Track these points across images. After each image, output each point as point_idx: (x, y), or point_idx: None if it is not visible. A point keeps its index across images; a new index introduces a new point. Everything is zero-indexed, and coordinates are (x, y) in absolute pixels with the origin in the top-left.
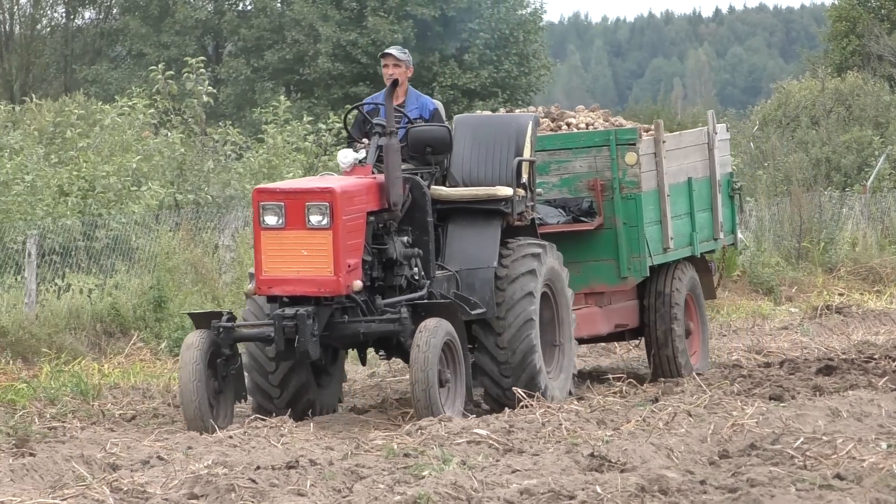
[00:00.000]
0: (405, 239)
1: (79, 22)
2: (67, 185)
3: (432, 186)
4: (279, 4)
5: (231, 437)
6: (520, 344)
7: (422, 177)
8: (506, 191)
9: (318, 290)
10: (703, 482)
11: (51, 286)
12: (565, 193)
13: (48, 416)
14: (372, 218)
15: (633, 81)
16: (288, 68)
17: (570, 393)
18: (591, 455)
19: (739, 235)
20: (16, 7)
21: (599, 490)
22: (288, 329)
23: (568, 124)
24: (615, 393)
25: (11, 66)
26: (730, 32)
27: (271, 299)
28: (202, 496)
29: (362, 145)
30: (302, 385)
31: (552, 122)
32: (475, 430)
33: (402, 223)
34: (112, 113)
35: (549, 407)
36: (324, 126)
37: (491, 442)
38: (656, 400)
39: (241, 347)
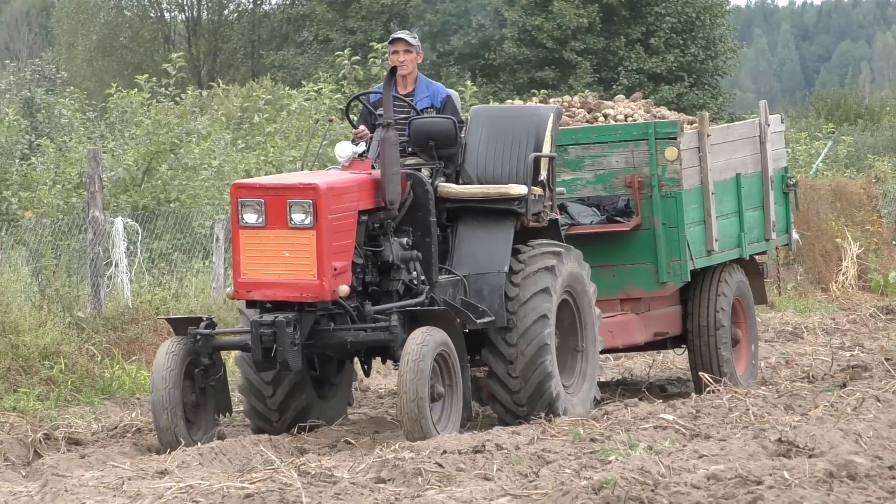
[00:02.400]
0: (404, 240)
1: (266, 7)
2: (255, 170)
3: (441, 184)
4: None
5: None
6: (534, 373)
7: (430, 173)
8: (520, 189)
9: (301, 296)
10: (891, 467)
11: None
12: (600, 191)
13: (235, 398)
14: (365, 217)
15: (821, 65)
16: (473, 53)
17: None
18: (779, 440)
19: (795, 235)
20: None
21: (787, 475)
22: (266, 337)
23: (605, 115)
24: (803, 378)
25: (199, 51)
26: None
27: (251, 304)
28: (389, 480)
29: (361, 138)
30: (303, 408)
31: (588, 112)
32: (662, 416)
33: (403, 223)
34: (299, 98)
35: (735, 392)
36: None
37: (678, 427)
38: (844, 385)
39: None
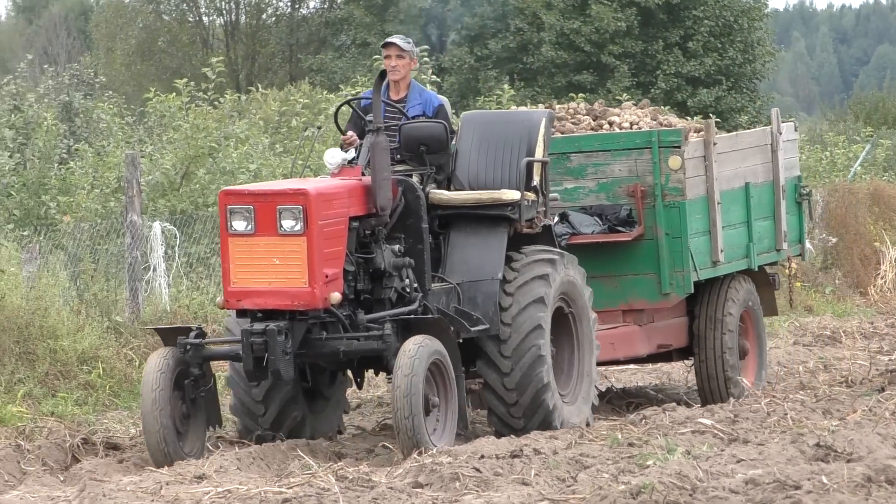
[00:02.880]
0: (396, 247)
1: (303, 11)
2: (292, 175)
3: (433, 190)
4: None
5: None
6: (529, 385)
7: (421, 179)
8: (512, 194)
9: (292, 304)
10: None
11: None
12: (602, 200)
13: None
14: (356, 224)
15: (859, 69)
16: (511, 57)
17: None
18: (817, 445)
19: (808, 245)
20: None
21: (825, 480)
22: (256, 346)
23: (610, 123)
24: (841, 382)
25: (237, 55)
26: None
27: (241, 313)
28: (427, 485)
29: (350, 144)
30: (288, 399)
31: (594, 119)
32: (699, 420)
33: (394, 230)
34: (337, 102)
35: (774, 396)
36: None
37: (715, 431)
38: (882, 389)
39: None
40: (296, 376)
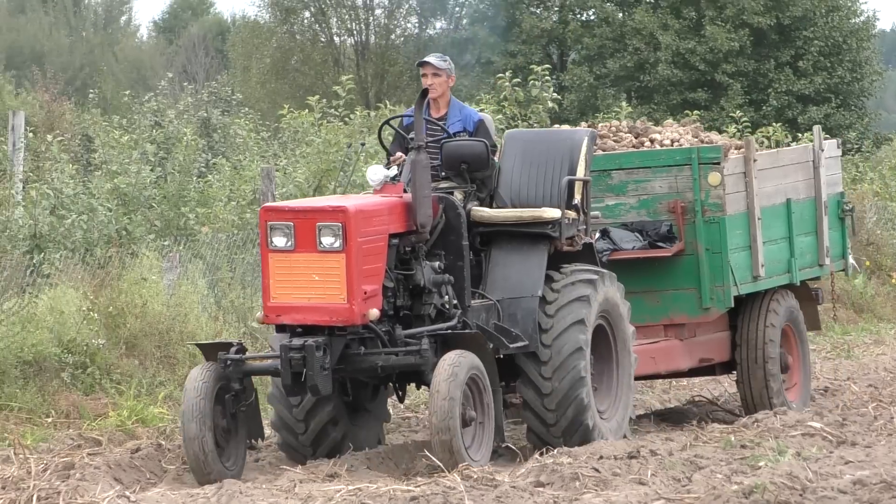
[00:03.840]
0: (437, 264)
1: (430, 32)
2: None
3: (475, 207)
4: (621, 14)
5: None
6: (570, 407)
7: (463, 196)
8: (553, 212)
9: (330, 319)
10: None
11: None
12: (643, 216)
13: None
14: (396, 241)
15: None
16: (629, 75)
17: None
18: None
19: (851, 261)
20: (371, 18)
21: None
22: (295, 361)
23: (652, 140)
24: None
25: (367, 74)
26: None
27: (280, 328)
28: (548, 484)
29: (396, 163)
30: (328, 421)
31: (635, 137)
32: (809, 423)
33: (435, 247)
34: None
35: (880, 401)
36: None
37: (825, 434)
38: None
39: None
40: (336, 391)
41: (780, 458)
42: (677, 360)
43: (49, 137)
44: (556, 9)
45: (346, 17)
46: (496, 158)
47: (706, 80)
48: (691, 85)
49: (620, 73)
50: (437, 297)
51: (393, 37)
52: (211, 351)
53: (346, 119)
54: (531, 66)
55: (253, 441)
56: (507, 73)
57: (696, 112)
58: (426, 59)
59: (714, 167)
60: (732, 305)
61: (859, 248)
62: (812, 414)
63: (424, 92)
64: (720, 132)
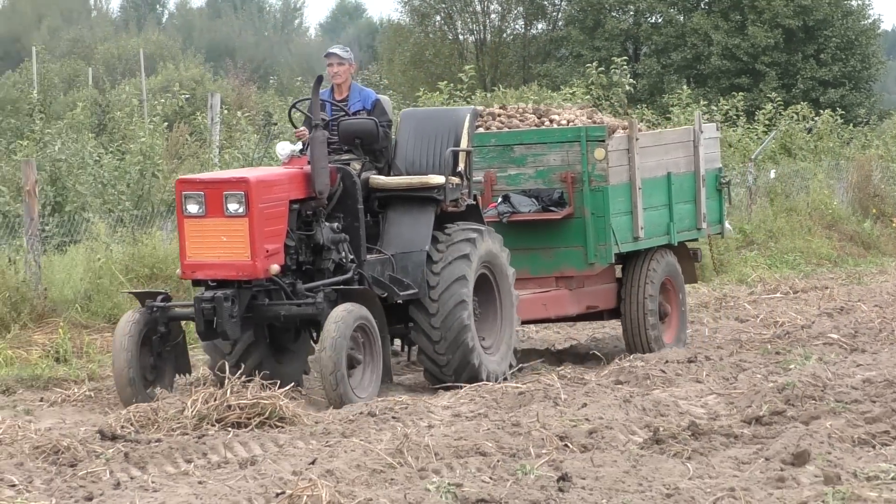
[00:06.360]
0: (335, 225)
1: (533, 31)
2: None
3: (372, 176)
4: (682, 17)
5: None
6: (453, 324)
7: (360, 167)
8: (438, 179)
9: (237, 274)
10: None
11: None
12: (540, 184)
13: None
14: (297, 206)
15: None
16: (688, 65)
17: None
18: None
19: (727, 225)
20: (487, 21)
21: None
22: (207, 311)
23: (552, 120)
24: None
25: (484, 64)
26: None
27: (196, 283)
28: (625, 382)
29: (300, 138)
30: (251, 343)
31: (538, 118)
32: (829, 335)
33: (334, 210)
34: (558, 99)
35: (884, 317)
36: (715, 108)
37: (841, 343)
38: None
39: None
40: (261, 332)
41: (806, 362)
42: (566, 306)
43: (238, 113)
44: (631, 13)
45: (469, 19)
46: (393, 134)
47: (748, 69)
48: (737, 73)
49: (682, 63)
50: (336, 254)
51: (504, 35)
52: (142, 299)
53: (469, 99)
54: (612, 58)
55: (180, 375)
56: (594, 64)
57: (740, 93)
58: (332, 50)
59: (599, 144)
60: (613, 262)
61: (867, 198)
62: (831, 327)
63: (319, 78)
64: (759, 109)
